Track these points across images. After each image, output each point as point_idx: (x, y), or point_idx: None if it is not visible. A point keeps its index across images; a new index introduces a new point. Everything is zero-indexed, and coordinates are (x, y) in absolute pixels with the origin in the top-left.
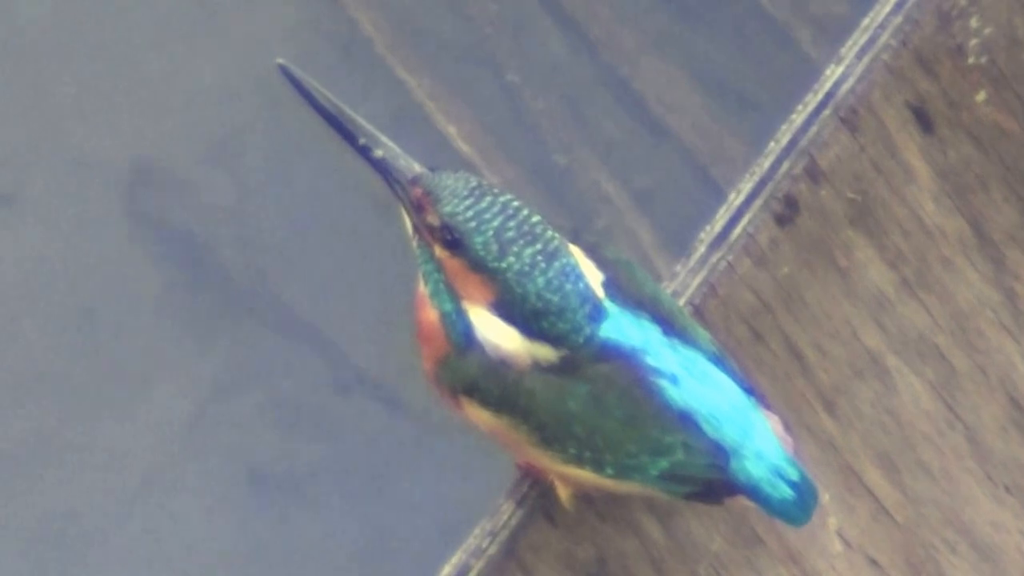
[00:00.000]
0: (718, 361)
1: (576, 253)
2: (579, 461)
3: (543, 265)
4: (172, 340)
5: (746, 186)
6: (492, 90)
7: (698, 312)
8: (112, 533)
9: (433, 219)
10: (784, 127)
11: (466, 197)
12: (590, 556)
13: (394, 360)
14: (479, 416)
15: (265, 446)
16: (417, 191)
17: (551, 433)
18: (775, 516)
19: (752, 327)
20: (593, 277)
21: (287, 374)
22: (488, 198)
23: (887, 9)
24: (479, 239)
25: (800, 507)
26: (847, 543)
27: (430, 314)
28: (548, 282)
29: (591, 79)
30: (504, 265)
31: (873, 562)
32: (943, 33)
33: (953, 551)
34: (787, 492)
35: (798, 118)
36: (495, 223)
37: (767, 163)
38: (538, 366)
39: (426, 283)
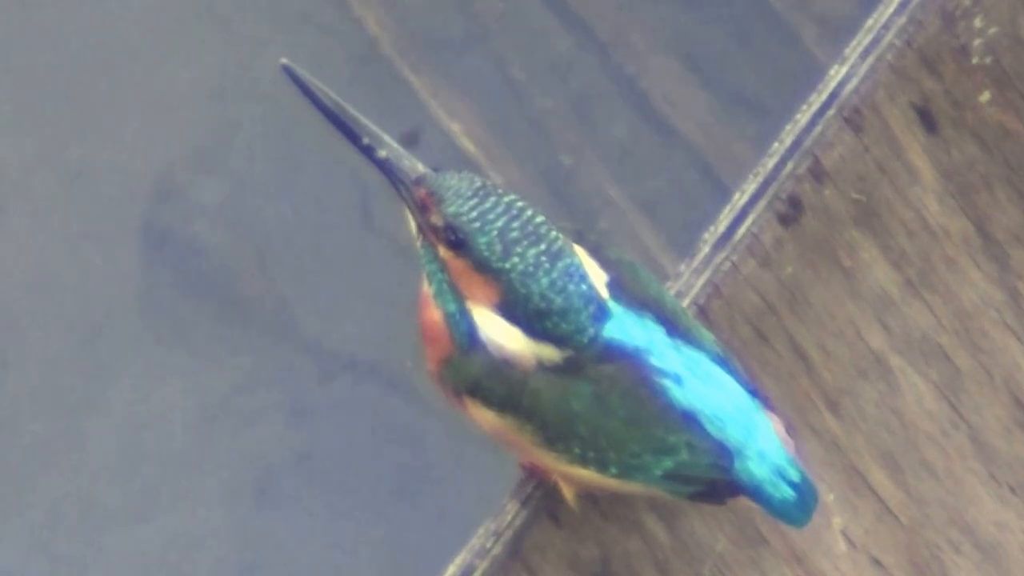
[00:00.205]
0: (722, 362)
1: (580, 253)
2: (583, 461)
3: (547, 265)
4: (174, 340)
5: (750, 186)
6: (497, 89)
7: (702, 312)
8: (116, 534)
9: (437, 219)
10: (788, 127)
11: (470, 197)
12: (594, 556)
13: (396, 360)
14: (483, 416)
15: (269, 447)
16: (421, 191)
17: (555, 433)
18: (776, 517)
19: (756, 327)
20: (597, 277)
21: (290, 375)
22: (492, 198)
23: (891, 9)
24: (483, 239)
25: (801, 508)
26: (851, 543)
27: (434, 314)
28: (552, 283)
29: (597, 78)
30: (508, 265)
31: (877, 562)
32: (947, 33)
33: (957, 551)
34: (788, 493)
35: (802, 118)
36: (499, 223)
37: (771, 163)
38: (542, 366)
39: (430, 283)
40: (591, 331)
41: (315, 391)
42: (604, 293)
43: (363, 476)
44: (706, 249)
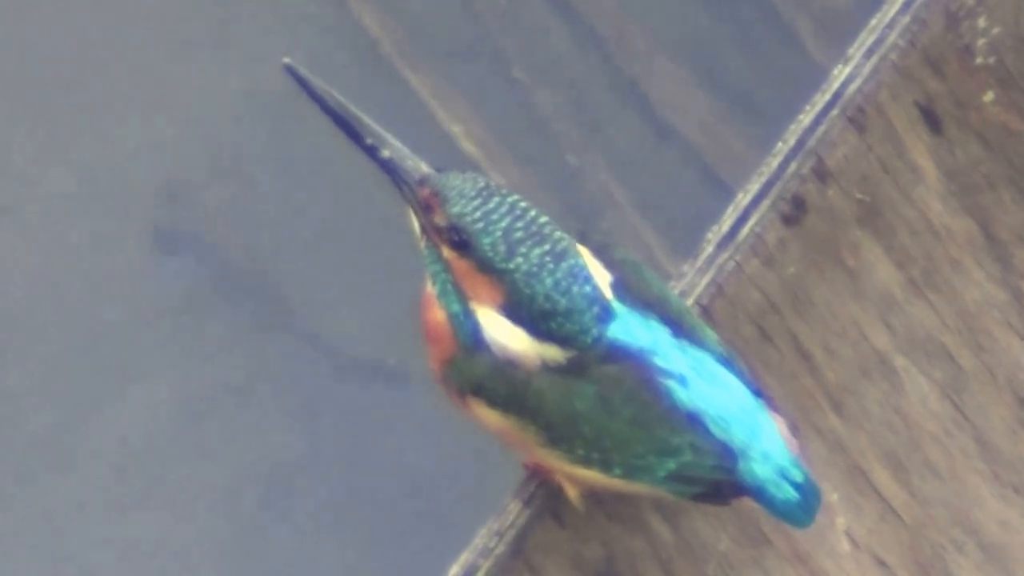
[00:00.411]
0: (726, 362)
1: (584, 254)
2: (587, 462)
3: (551, 266)
4: (176, 342)
5: (754, 186)
6: (499, 89)
7: (706, 312)
8: (115, 532)
9: (441, 220)
10: (792, 127)
11: (474, 198)
12: (598, 556)
13: (399, 360)
14: (487, 416)
15: (272, 444)
16: (425, 192)
17: (559, 433)
18: (778, 518)
19: (760, 327)
20: (601, 278)
21: (292, 374)
22: (496, 199)
23: (895, 9)
24: (487, 240)
25: (804, 509)
26: (855, 543)
27: (438, 314)
28: (556, 283)
29: (599, 79)
30: (512, 266)
31: (881, 562)
32: (951, 33)
33: (961, 551)
34: (791, 494)
35: (806, 118)
36: (503, 224)
37: (775, 163)
38: (546, 367)
39: (434, 284)
40: (595, 332)
41: (320, 390)
42: (608, 294)
43: (364, 476)
44: (710, 249)
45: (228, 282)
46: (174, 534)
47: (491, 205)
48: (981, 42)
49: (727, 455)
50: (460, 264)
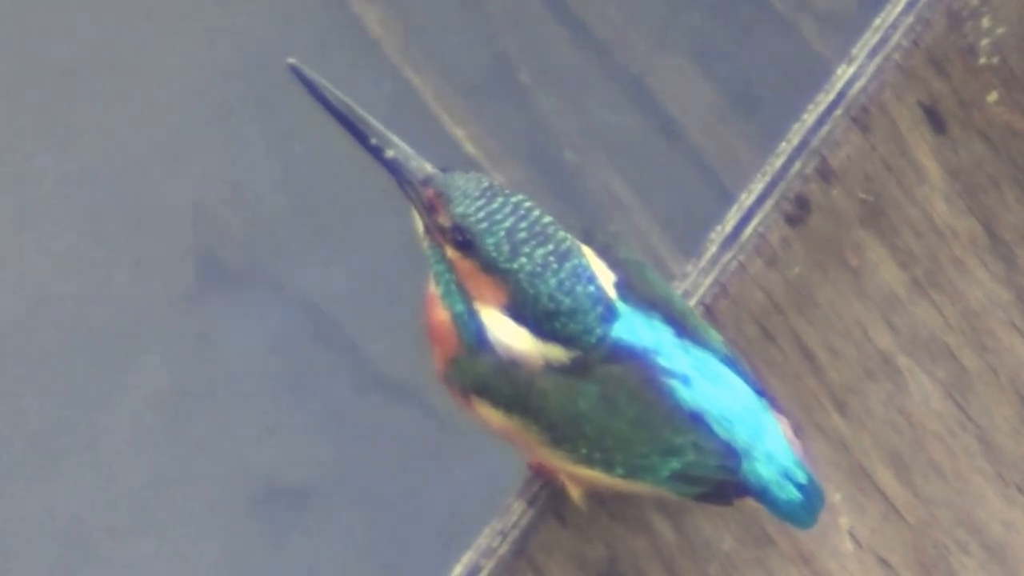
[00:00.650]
0: (730, 362)
1: (588, 254)
2: (590, 461)
3: (555, 266)
4: (177, 341)
5: (757, 186)
6: (500, 89)
7: (709, 312)
8: (118, 540)
9: (445, 220)
10: (795, 127)
11: (478, 198)
12: (601, 555)
13: (403, 359)
14: (490, 416)
15: (279, 449)
16: (429, 192)
17: (562, 433)
18: (781, 518)
19: (763, 327)
20: (605, 278)
21: (305, 386)
22: (500, 199)
23: (898, 9)
24: (491, 240)
25: (807, 510)
26: (858, 543)
27: (441, 314)
28: (560, 283)
29: (601, 79)
30: (516, 266)
31: (884, 562)
32: (954, 33)
33: (964, 551)
34: (794, 494)
35: (809, 118)
36: (507, 224)
37: (778, 163)
38: (549, 366)
39: (437, 284)
40: (599, 332)
41: (321, 393)
42: (612, 293)
43: (368, 476)
44: (713, 249)
45: (232, 281)
46: (183, 537)
47: (495, 205)
48: (985, 42)
49: (730, 455)
50: (464, 264)
